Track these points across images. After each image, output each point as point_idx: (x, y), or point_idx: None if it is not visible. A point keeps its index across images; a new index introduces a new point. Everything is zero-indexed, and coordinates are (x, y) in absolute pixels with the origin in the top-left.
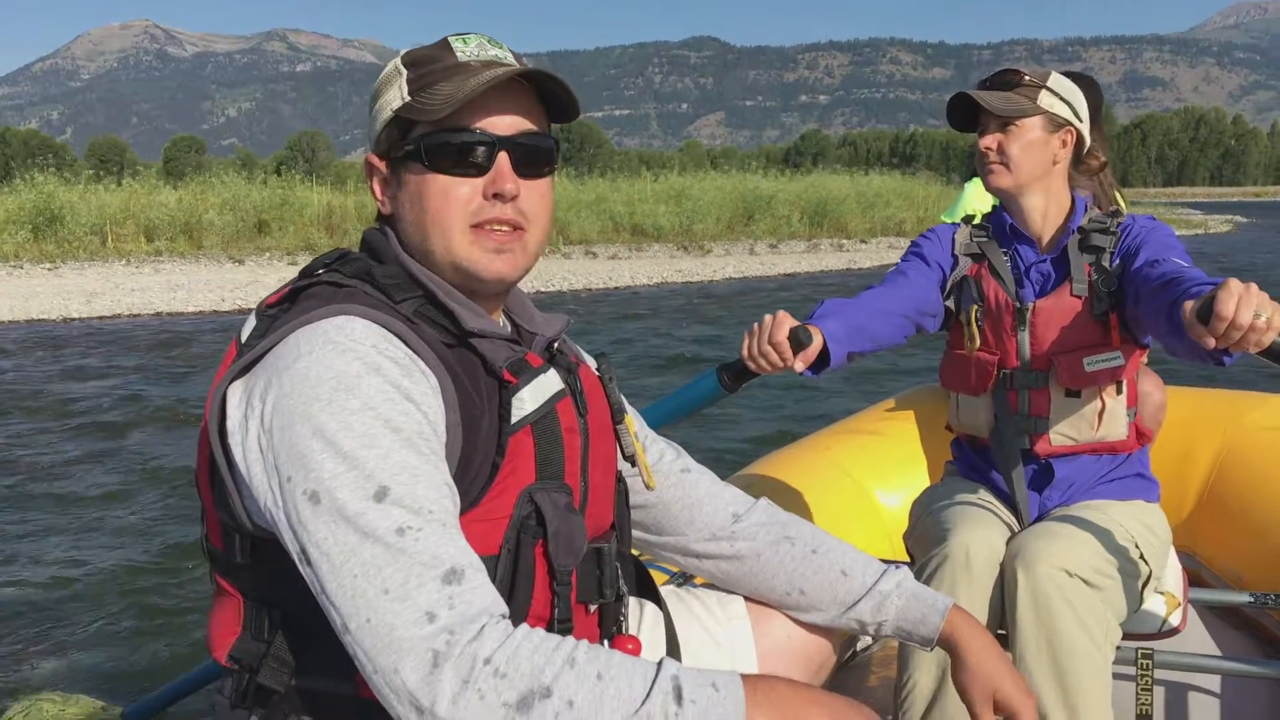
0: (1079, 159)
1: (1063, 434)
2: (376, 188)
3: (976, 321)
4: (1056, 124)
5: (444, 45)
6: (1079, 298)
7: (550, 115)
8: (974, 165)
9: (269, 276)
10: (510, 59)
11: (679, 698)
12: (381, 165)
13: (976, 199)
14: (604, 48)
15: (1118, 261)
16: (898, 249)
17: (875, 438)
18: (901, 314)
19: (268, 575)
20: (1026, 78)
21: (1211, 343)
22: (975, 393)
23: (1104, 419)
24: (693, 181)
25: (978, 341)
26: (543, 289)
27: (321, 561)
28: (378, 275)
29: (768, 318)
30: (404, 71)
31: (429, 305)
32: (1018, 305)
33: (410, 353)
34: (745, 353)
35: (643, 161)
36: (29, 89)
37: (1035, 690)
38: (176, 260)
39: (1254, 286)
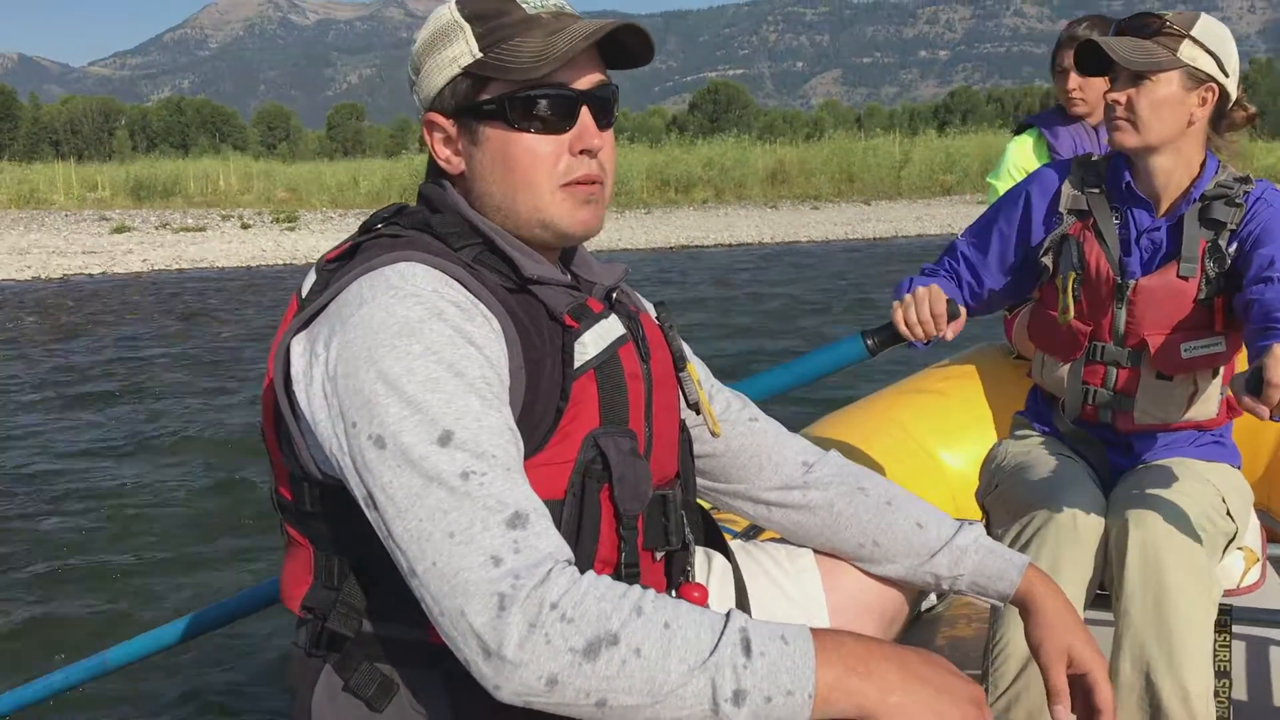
0: (1220, 115)
1: (1148, 413)
2: (439, 146)
3: (1073, 291)
4: (1197, 79)
5: None
6: (1186, 279)
7: (606, 63)
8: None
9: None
10: (569, 7)
11: (747, 649)
12: (447, 123)
13: (1020, 158)
14: (718, 6)
15: (1234, 246)
16: None
17: (938, 397)
18: (1007, 279)
19: (336, 522)
20: (1168, 25)
21: (1266, 413)
22: (1062, 360)
23: (1194, 401)
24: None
25: (1071, 313)
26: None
27: (387, 505)
28: (436, 225)
29: (922, 289)
30: (466, 25)
31: (488, 252)
32: (1119, 281)
33: (471, 297)
34: (902, 320)
35: (786, 121)
36: (160, 58)
37: (1141, 647)
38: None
39: None
